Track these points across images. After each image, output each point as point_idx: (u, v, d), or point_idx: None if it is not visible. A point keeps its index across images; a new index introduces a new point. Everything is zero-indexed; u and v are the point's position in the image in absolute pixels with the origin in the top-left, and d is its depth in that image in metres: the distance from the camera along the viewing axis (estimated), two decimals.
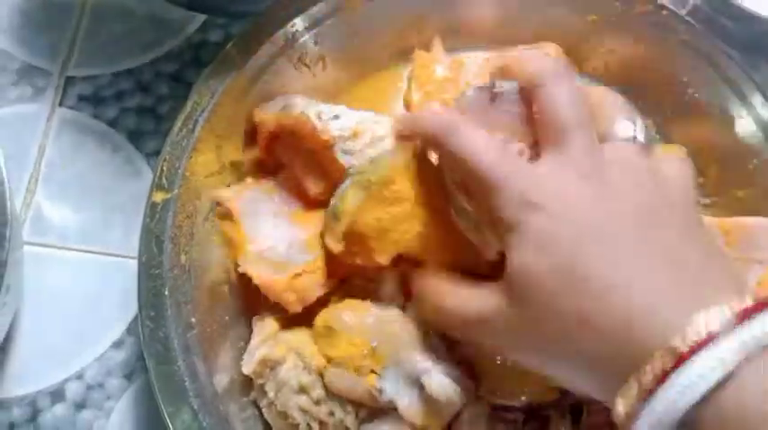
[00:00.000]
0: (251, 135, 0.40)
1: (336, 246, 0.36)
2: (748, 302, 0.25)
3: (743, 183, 0.42)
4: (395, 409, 0.36)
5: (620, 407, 0.26)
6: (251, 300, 0.39)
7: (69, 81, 0.47)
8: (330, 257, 0.37)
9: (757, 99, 0.41)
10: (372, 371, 0.36)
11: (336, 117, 0.38)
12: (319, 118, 0.38)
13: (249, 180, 0.40)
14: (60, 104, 0.46)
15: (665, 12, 0.42)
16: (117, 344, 0.41)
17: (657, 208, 0.29)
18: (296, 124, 0.38)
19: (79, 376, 0.41)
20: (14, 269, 0.37)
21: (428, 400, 0.35)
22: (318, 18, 0.42)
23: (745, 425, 0.23)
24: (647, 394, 0.25)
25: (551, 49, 0.43)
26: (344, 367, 0.35)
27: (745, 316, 0.24)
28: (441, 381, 0.35)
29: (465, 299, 0.31)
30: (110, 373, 0.41)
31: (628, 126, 0.31)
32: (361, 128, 0.38)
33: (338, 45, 0.43)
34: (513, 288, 0.29)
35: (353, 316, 0.37)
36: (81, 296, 0.42)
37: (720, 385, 0.24)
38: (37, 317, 0.42)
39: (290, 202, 0.39)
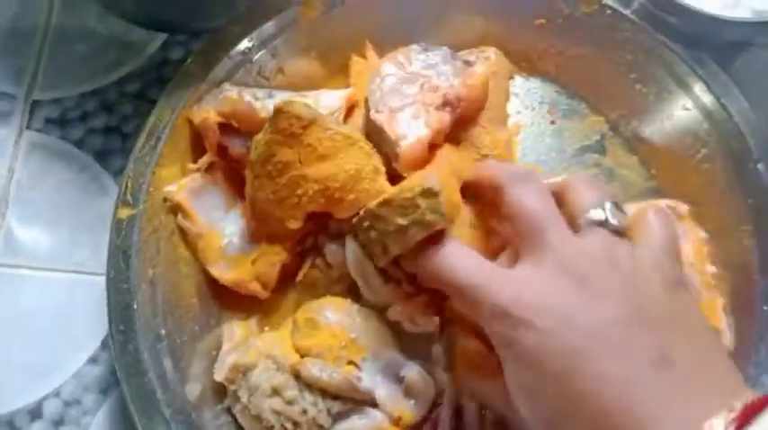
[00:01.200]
0: (197, 141, 0.41)
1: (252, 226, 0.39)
2: (747, 400, 0.25)
3: (693, 172, 0.43)
4: (369, 405, 0.37)
5: None
6: (221, 298, 0.41)
7: (36, 104, 0.48)
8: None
9: (702, 91, 0.43)
10: (350, 363, 0.37)
11: (271, 96, 0.41)
12: (256, 98, 0.40)
13: (195, 174, 0.41)
14: (27, 127, 0.47)
15: (609, 11, 0.44)
16: (92, 360, 0.42)
17: (642, 304, 0.29)
18: (235, 108, 0.40)
19: (56, 393, 0.41)
20: None
21: (405, 392, 0.37)
22: (275, 32, 0.44)
23: None
24: None
25: (491, 52, 0.45)
26: (323, 358, 0.37)
27: (744, 421, 0.25)
28: (419, 372, 0.36)
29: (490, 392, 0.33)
30: (86, 389, 0.41)
31: (598, 212, 0.32)
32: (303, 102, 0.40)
33: (295, 57, 0.44)
34: (515, 399, 0.30)
35: (335, 311, 0.38)
36: (54, 314, 0.43)
37: None
38: (11, 337, 0.42)
39: (239, 194, 0.41)
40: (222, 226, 0.41)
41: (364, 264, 0.38)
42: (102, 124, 0.47)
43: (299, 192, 0.38)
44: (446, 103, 0.40)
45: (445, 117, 0.40)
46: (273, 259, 0.40)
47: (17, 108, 0.48)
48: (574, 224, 0.32)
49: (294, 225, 0.39)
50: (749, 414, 0.25)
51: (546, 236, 0.30)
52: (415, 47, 0.43)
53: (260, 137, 0.38)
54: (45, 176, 0.46)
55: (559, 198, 0.33)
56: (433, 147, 0.39)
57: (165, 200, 0.40)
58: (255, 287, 0.40)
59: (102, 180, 0.46)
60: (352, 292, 0.40)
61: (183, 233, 0.40)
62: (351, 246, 0.38)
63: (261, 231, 0.40)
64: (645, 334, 0.28)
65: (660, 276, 0.30)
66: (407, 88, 0.41)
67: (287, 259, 0.40)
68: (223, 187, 0.41)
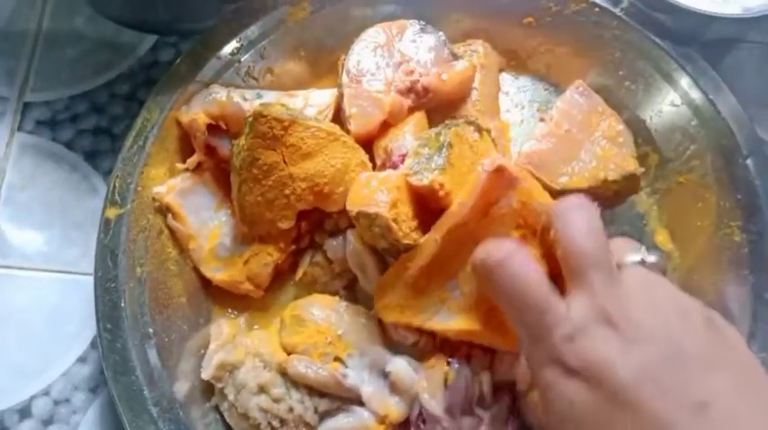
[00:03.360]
0: (186, 140, 0.42)
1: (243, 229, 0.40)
2: None
3: (682, 168, 0.43)
4: (355, 402, 0.37)
5: None
6: (211, 297, 0.41)
7: (27, 106, 0.48)
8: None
9: (691, 87, 0.43)
10: (337, 359, 0.37)
11: (260, 96, 0.42)
12: (245, 99, 0.41)
13: (185, 174, 0.41)
14: (19, 129, 0.47)
15: (597, 9, 0.44)
16: (81, 360, 0.42)
17: (682, 342, 0.28)
18: (224, 110, 0.40)
19: (46, 392, 0.41)
20: None
21: (391, 389, 0.37)
22: (263, 33, 0.44)
23: None
24: None
25: (479, 45, 0.45)
26: (309, 354, 0.37)
27: None
28: (405, 369, 0.37)
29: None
30: (75, 388, 0.41)
31: (637, 255, 0.32)
32: (281, 103, 0.40)
33: (284, 57, 0.44)
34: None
35: (322, 307, 0.38)
36: (44, 314, 0.43)
37: None
38: (1, 336, 0.42)
39: (228, 195, 0.41)
40: (212, 226, 0.41)
41: (364, 258, 0.38)
42: (92, 125, 0.47)
43: (287, 191, 0.38)
44: (412, 90, 0.41)
45: (404, 102, 0.40)
46: (266, 259, 0.40)
47: (8, 110, 0.48)
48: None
49: (286, 225, 0.39)
50: None
51: (594, 277, 0.29)
52: (413, 22, 0.43)
53: (242, 142, 0.38)
54: (36, 177, 0.46)
55: None
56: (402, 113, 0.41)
57: (154, 200, 0.40)
58: (248, 287, 0.40)
59: (93, 180, 0.46)
60: (351, 289, 0.40)
61: (172, 233, 0.40)
62: (351, 240, 0.39)
63: (252, 233, 0.40)
64: (685, 375, 0.27)
65: (698, 313, 0.29)
66: (383, 61, 0.41)
67: (280, 259, 0.40)
68: (212, 187, 0.41)
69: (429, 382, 0.37)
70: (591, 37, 0.45)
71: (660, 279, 0.31)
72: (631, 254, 0.31)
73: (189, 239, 0.40)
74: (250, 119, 0.37)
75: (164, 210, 0.40)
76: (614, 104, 0.44)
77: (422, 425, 0.38)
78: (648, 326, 0.28)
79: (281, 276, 0.42)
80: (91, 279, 0.43)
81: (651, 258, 0.31)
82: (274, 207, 0.39)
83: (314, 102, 0.42)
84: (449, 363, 0.37)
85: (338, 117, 0.42)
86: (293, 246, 0.41)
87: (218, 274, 0.40)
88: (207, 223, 0.41)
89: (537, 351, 0.29)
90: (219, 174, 0.42)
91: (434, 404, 0.37)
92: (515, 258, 0.30)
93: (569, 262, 0.30)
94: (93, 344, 0.42)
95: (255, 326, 0.41)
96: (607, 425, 0.27)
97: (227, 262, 0.41)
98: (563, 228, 0.30)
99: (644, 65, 0.44)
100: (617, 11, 0.44)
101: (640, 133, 0.44)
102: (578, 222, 0.30)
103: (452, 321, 0.35)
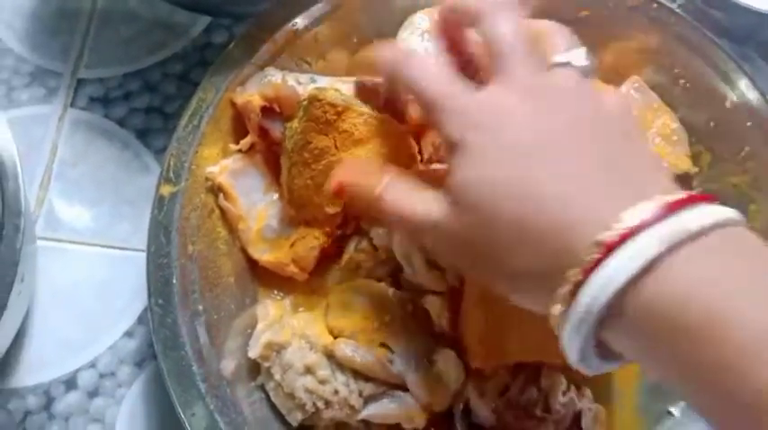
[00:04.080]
0: (239, 122, 0.42)
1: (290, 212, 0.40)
2: (675, 197, 0.25)
3: (736, 170, 0.43)
4: (399, 388, 0.37)
5: (554, 310, 0.26)
6: (258, 278, 0.41)
7: (80, 83, 0.49)
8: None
9: (748, 88, 0.42)
10: (383, 345, 0.37)
11: (313, 80, 0.42)
12: (298, 83, 0.41)
13: (237, 155, 0.41)
14: (72, 105, 0.48)
15: (655, 5, 0.44)
16: (128, 334, 0.43)
17: (595, 121, 0.29)
18: (278, 93, 0.40)
19: (92, 365, 0.42)
20: (28, 261, 0.38)
21: (436, 378, 0.37)
22: (318, 17, 0.44)
23: (665, 317, 0.24)
24: (576, 290, 0.25)
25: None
26: (355, 339, 0.37)
27: (671, 210, 0.25)
28: (452, 359, 0.37)
29: (416, 202, 0.32)
30: (121, 362, 0.42)
31: (567, 55, 0.31)
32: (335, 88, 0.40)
33: (338, 43, 0.45)
34: (455, 199, 0.29)
35: (370, 293, 0.39)
36: (93, 288, 0.44)
37: (642, 275, 0.24)
38: (51, 308, 0.43)
39: (277, 178, 0.41)
40: (260, 208, 0.41)
41: (410, 247, 0.38)
42: (145, 104, 0.48)
43: None
44: None
45: None
46: (312, 243, 0.40)
47: (62, 85, 0.48)
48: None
49: (333, 210, 0.40)
50: (684, 202, 0.25)
51: (515, 64, 0.30)
52: None
53: (294, 125, 0.38)
54: (88, 153, 0.47)
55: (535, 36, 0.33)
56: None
57: (207, 179, 0.40)
58: (293, 270, 0.40)
59: (144, 158, 0.47)
60: (395, 278, 0.40)
61: (222, 213, 0.41)
62: None
63: (299, 217, 0.40)
64: (597, 144, 0.28)
65: (618, 110, 0.30)
66: (431, 47, 0.41)
67: (325, 243, 0.40)
68: (263, 169, 0.41)
69: (479, 383, 0.37)
70: (648, 33, 0.44)
71: (585, 80, 0.30)
72: (563, 53, 0.31)
73: (238, 220, 0.41)
74: (305, 102, 0.38)
75: (215, 190, 0.40)
76: (669, 102, 0.43)
77: (465, 419, 0.38)
78: (562, 103, 0.29)
79: (326, 260, 0.42)
80: (140, 255, 0.44)
81: (579, 62, 0.31)
82: (322, 192, 0.39)
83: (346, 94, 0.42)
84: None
85: (386, 106, 0.42)
86: (339, 232, 0.41)
87: (264, 256, 0.41)
88: (256, 204, 0.41)
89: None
90: (270, 156, 0.42)
91: (482, 403, 0.37)
92: (412, 59, 0.32)
93: (494, 56, 0.31)
94: (140, 320, 0.43)
95: (301, 309, 0.41)
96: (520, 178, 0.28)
97: (274, 244, 0.41)
98: (490, 27, 0.31)
99: (700, 63, 0.43)
100: (674, 6, 0.44)
101: (694, 132, 0.43)
102: (503, 19, 0.31)
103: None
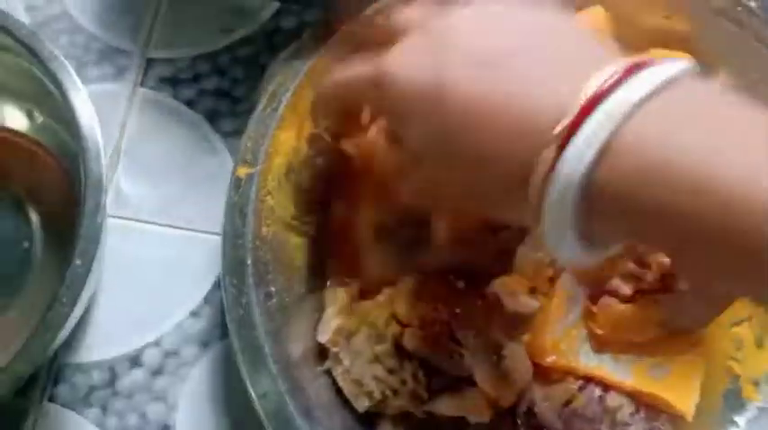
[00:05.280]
0: None
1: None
2: (633, 61, 0.24)
3: None
4: (467, 383, 0.37)
5: (532, 195, 0.25)
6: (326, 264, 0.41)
7: (150, 63, 0.49)
8: None
9: None
10: (452, 338, 0.37)
11: None
12: None
13: None
14: (141, 84, 0.48)
15: (740, 8, 0.43)
16: (194, 314, 0.43)
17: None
18: None
19: (157, 343, 0.42)
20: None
21: (504, 373, 0.36)
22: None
23: (645, 175, 0.23)
24: (551, 169, 0.24)
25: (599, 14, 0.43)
26: (425, 330, 0.37)
27: (632, 71, 0.24)
28: (521, 355, 0.36)
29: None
30: (186, 341, 0.42)
31: None
32: None
33: None
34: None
35: (439, 284, 0.38)
36: (158, 267, 0.44)
37: (616, 135, 0.23)
38: (117, 286, 0.43)
39: None
40: None
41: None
42: (214, 86, 0.48)
43: None
44: None
45: None
46: None
47: (132, 65, 0.49)
48: None
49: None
50: (638, 66, 0.24)
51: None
52: None
53: None
54: (156, 133, 0.47)
55: None
56: None
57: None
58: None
59: (212, 140, 0.47)
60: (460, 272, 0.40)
61: None
62: None
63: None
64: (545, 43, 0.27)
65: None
66: None
67: None
68: None
69: (547, 391, 0.37)
70: (728, 35, 0.44)
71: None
72: None
73: None
74: None
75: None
76: None
77: (528, 422, 0.38)
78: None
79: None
80: (205, 236, 0.44)
81: None
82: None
83: None
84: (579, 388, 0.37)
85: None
86: None
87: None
88: None
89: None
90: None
91: (547, 407, 0.37)
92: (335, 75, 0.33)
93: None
94: (206, 300, 0.43)
95: (368, 296, 0.41)
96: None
97: None
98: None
99: None
100: (753, 5, 0.43)
101: None
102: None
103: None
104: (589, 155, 0.23)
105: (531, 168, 0.25)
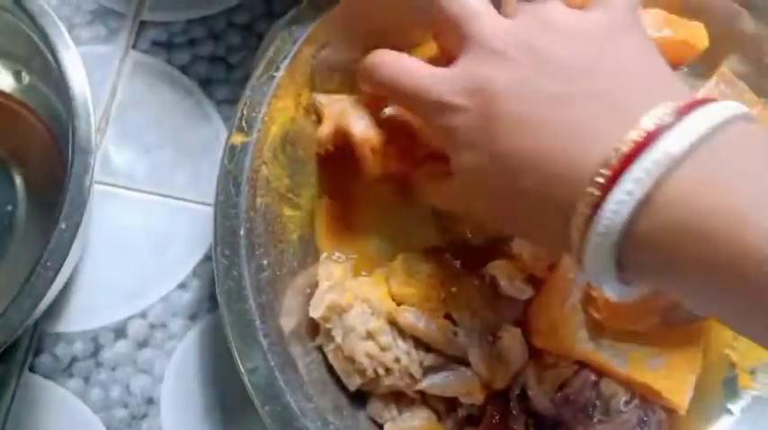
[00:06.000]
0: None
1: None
2: (688, 100, 0.24)
3: None
4: (461, 362, 0.36)
5: (573, 237, 0.25)
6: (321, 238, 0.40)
7: (143, 25, 0.47)
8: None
9: None
10: (447, 317, 0.36)
11: None
12: None
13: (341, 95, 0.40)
14: (133, 47, 0.47)
15: None
16: (182, 286, 0.42)
17: (586, 66, 0.27)
18: None
19: (143, 315, 0.41)
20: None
21: (499, 354, 0.36)
22: None
23: (686, 230, 0.22)
24: (594, 212, 0.24)
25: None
26: (420, 308, 0.36)
27: (685, 111, 0.23)
28: (517, 337, 0.35)
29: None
30: (173, 314, 0.41)
31: None
32: None
33: None
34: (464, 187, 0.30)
35: (437, 263, 0.37)
36: (147, 237, 0.43)
37: (660, 186, 0.23)
38: (103, 254, 0.42)
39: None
40: None
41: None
42: (209, 52, 0.46)
43: None
44: None
45: None
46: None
47: (124, 27, 0.47)
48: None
49: None
50: (693, 105, 0.24)
51: (471, 27, 0.29)
52: None
53: None
54: (148, 98, 0.45)
55: None
56: None
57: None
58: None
59: (205, 107, 0.45)
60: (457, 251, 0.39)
61: None
62: None
63: None
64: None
65: (606, 18, 0.28)
66: None
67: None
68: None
69: (541, 374, 0.37)
70: (737, 21, 0.43)
71: (560, 5, 0.29)
72: None
73: None
74: None
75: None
76: (756, 93, 0.42)
77: (520, 405, 0.37)
78: (540, 50, 0.28)
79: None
80: (197, 207, 0.43)
81: None
82: None
83: None
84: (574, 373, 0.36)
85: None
86: None
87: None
88: None
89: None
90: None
91: (540, 391, 0.36)
92: (388, 57, 0.32)
93: (449, 28, 0.30)
94: (194, 272, 0.42)
95: (363, 272, 0.40)
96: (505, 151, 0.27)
97: None
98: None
99: None
100: None
101: None
102: None
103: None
104: (630, 204, 0.23)
105: (574, 210, 0.24)
